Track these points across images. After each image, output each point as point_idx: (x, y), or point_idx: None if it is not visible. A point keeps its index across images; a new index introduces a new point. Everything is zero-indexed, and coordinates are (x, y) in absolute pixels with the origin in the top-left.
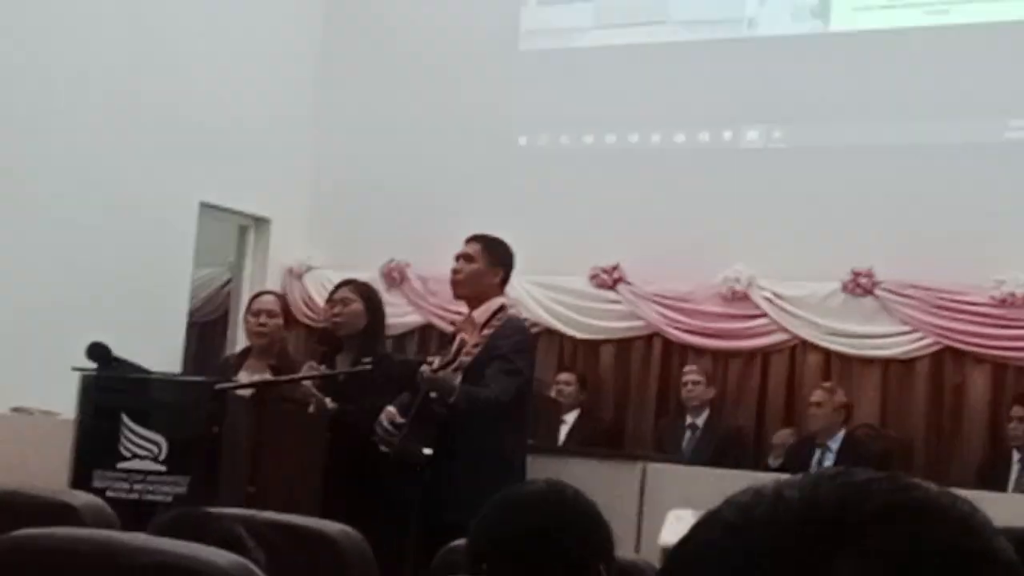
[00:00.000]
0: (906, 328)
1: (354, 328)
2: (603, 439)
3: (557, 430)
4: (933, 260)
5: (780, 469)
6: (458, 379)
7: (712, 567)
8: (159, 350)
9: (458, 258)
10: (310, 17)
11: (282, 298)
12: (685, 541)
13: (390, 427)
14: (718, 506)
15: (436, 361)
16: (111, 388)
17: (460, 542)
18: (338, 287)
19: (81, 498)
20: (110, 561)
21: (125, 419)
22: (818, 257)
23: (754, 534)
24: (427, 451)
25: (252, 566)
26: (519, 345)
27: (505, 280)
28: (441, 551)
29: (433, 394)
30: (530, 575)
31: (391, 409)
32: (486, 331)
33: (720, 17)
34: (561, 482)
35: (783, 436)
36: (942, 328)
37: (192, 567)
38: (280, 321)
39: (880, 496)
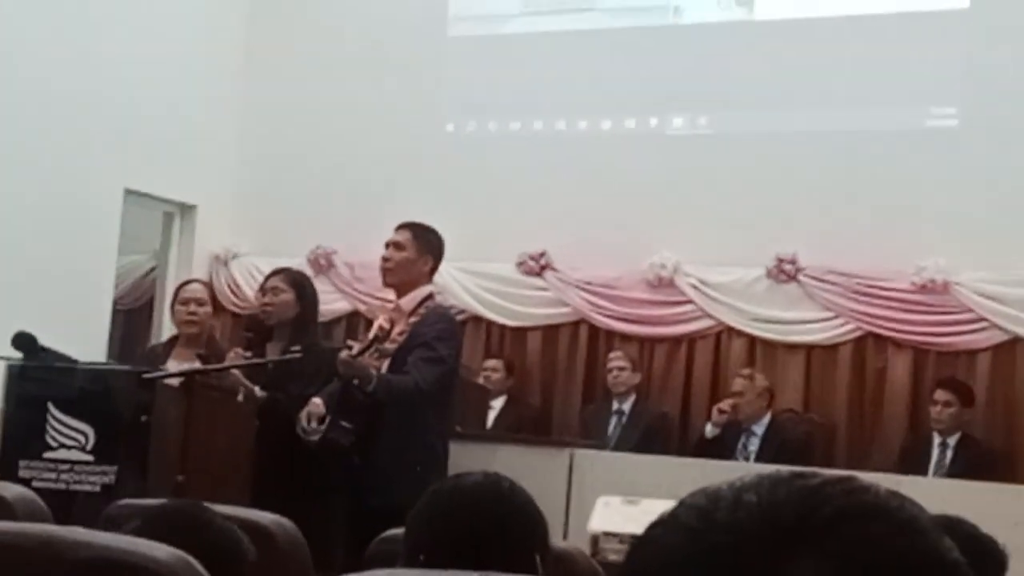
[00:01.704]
0: (829, 314)
1: (285, 317)
2: (530, 425)
3: (485, 416)
4: (855, 247)
5: (713, 440)
6: (384, 366)
7: (674, 571)
8: (84, 338)
9: (388, 246)
10: (236, 2)
11: (208, 286)
12: (645, 543)
13: (308, 427)
14: (675, 508)
15: (356, 347)
16: (37, 378)
17: (393, 532)
18: (270, 276)
19: (12, 490)
20: (51, 555)
21: (52, 408)
22: (743, 243)
23: (715, 539)
24: (348, 441)
25: (193, 560)
26: (443, 333)
27: (434, 268)
28: (375, 541)
29: (355, 380)
30: (467, 566)
31: (316, 401)
32: (412, 319)
33: (646, 5)
34: (497, 474)
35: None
36: (864, 314)
37: (132, 561)
38: (210, 309)
39: (835, 500)
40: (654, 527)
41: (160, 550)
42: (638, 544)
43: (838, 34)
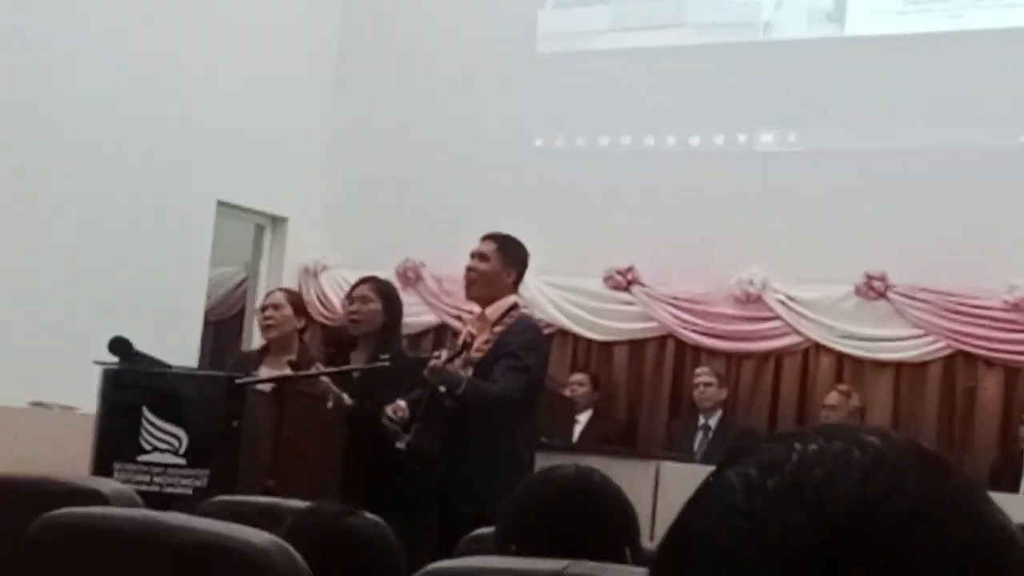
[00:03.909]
0: (918, 332)
1: (372, 326)
2: (616, 439)
3: (571, 429)
4: (946, 264)
5: None
6: (468, 374)
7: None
8: (176, 348)
9: (473, 256)
10: (329, 16)
11: (295, 294)
12: (685, 530)
13: (395, 417)
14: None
15: (444, 354)
16: (132, 382)
17: (483, 531)
18: (357, 284)
19: (110, 485)
20: (151, 539)
21: (146, 412)
22: (832, 260)
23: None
24: (434, 448)
25: (287, 545)
26: (529, 343)
27: (518, 280)
28: (464, 539)
29: (442, 388)
30: (558, 555)
31: (400, 403)
32: (497, 328)
33: (736, 21)
34: (589, 467)
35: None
36: (954, 332)
37: (229, 545)
38: (287, 312)
39: (896, 501)
40: (707, 507)
41: (256, 535)
42: (685, 529)
43: (929, 50)
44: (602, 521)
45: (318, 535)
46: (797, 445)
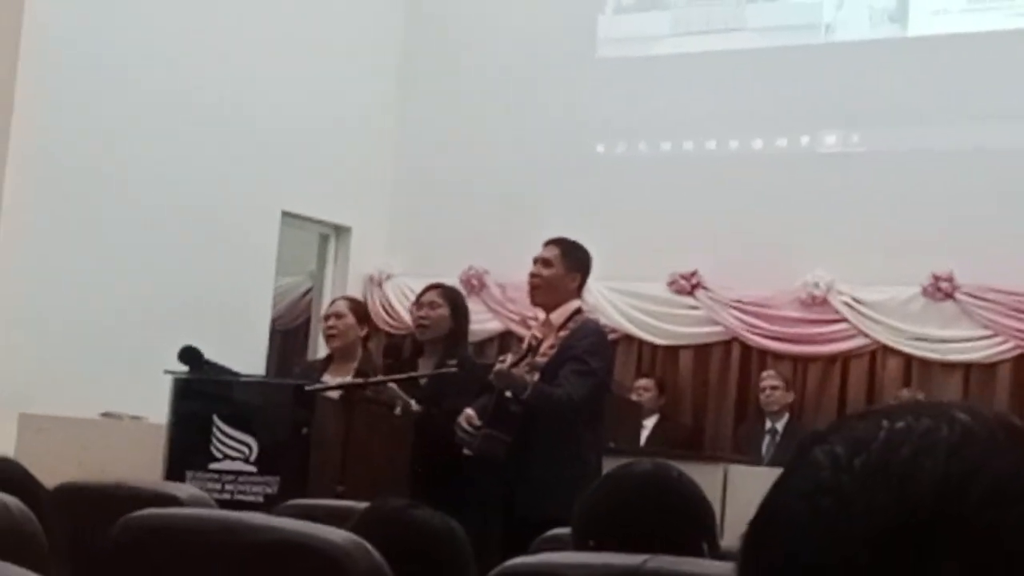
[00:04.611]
0: (987, 332)
1: (439, 332)
2: (682, 444)
3: (637, 433)
4: (1013, 263)
5: None
6: (534, 378)
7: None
8: (243, 358)
9: (536, 262)
10: (391, 25)
11: (358, 303)
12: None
13: (469, 428)
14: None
15: (510, 358)
16: (202, 391)
17: (558, 531)
18: (425, 290)
19: (185, 490)
20: (231, 538)
21: (216, 421)
22: (897, 261)
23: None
24: (502, 452)
25: (366, 543)
26: (594, 346)
27: (582, 284)
28: (537, 540)
29: (508, 392)
30: (636, 550)
31: (469, 412)
32: (562, 333)
33: (797, 23)
34: (667, 463)
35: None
36: (1023, 331)
37: (309, 544)
38: (350, 321)
39: (982, 480)
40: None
41: (336, 534)
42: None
43: (992, 49)
44: (679, 516)
45: (385, 528)
46: (885, 423)
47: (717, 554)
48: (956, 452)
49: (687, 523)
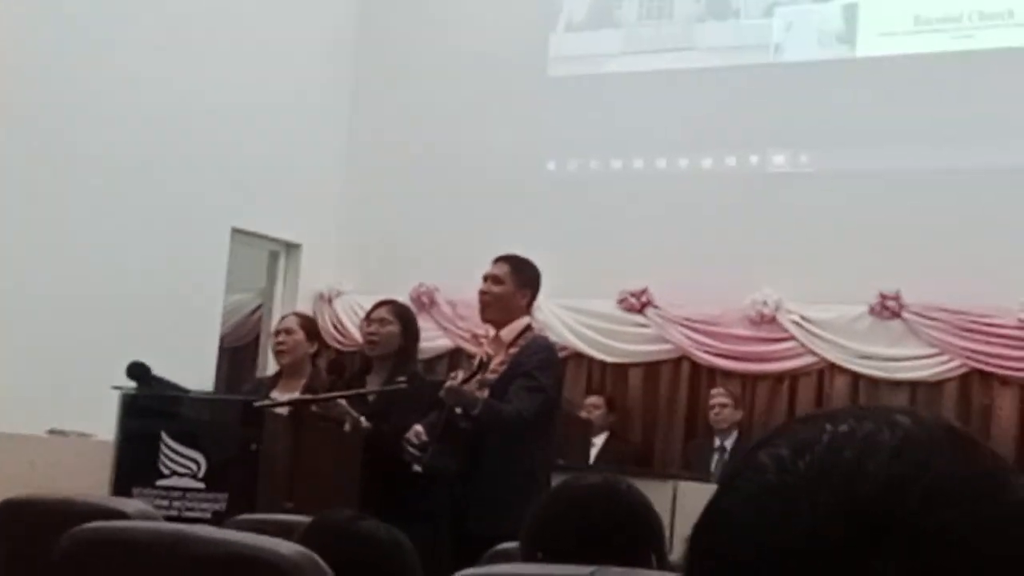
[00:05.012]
0: (933, 351)
1: (389, 348)
2: (632, 461)
3: (587, 450)
4: (960, 283)
5: None
6: (484, 395)
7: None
8: (192, 375)
9: (486, 279)
10: (342, 44)
11: (308, 319)
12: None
13: (416, 443)
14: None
15: (460, 375)
16: (150, 407)
17: (506, 545)
18: (376, 307)
19: (132, 505)
20: (179, 551)
21: (165, 437)
22: (845, 280)
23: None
24: (451, 468)
25: (317, 557)
26: (544, 363)
27: (532, 301)
28: (486, 553)
29: (458, 409)
30: (584, 561)
31: (418, 428)
32: (512, 349)
33: (747, 43)
34: (615, 475)
35: None
36: (969, 350)
37: (259, 556)
38: (299, 337)
39: (922, 481)
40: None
41: (284, 546)
42: (717, 511)
43: (939, 71)
44: (629, 527)
45: (331, 539)
46: (828, 426)
47: (666, 565)
48: (898, 454)
49: (635, 534)
